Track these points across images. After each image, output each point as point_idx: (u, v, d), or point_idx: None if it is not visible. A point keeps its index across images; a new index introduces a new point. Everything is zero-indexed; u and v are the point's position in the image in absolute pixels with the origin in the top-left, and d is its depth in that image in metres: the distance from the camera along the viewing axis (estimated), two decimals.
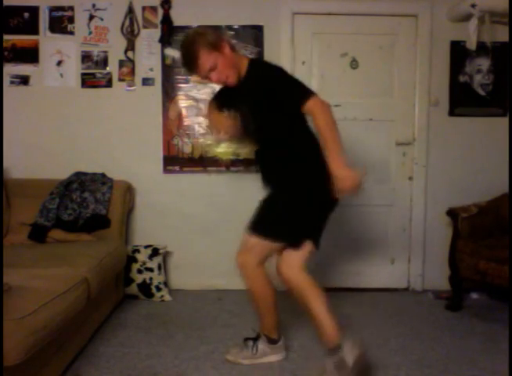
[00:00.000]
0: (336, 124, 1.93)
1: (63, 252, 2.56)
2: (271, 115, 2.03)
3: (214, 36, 2.04)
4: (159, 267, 3.15)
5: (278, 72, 2.03)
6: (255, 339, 2.25)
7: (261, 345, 2.23)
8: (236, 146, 2.24)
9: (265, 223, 2.07)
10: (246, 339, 2.28)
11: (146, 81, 3.27)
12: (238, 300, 3.10)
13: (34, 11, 3.21)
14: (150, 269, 3.12)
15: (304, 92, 1.96)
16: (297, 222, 2.04)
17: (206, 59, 1.99)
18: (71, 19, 3.22)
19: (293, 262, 2.09)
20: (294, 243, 2.09)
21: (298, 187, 2.04)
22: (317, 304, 2.03)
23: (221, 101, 2.26)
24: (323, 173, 1.94)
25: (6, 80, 3.22)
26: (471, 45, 3.11)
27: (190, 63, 2.03)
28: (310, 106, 1.93)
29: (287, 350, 2.31)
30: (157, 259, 3.15)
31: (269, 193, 2.14)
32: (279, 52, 3.23)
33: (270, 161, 2.15)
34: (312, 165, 2.05)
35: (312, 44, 3.31)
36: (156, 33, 3.23)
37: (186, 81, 3.26)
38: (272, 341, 2.23)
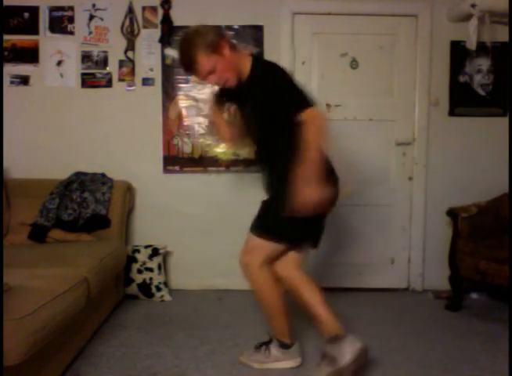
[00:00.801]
0: (321, 142, 1.84)
1: (63, 252, 2.57)
2: (271, 117, 1.99)
3: (212, 37, 1.95)
4: (159, 267, 3.15)
5: (279, 75, 1.96)
6: (268, 343, 2.19)
7: (274, 349, 2.16)
8: (235, 147, 2.25)
9: (265, 224, 2.06)
10: (260, 344, 2.22)
11: (146, 81, 3.27)
12: (238, 300, 3.10)
13: (34, 11, 3.21)
14: (150, 269, 3.12)
15: (301, 102, 1.89)
16: (296, 224, 2.00)
17: (204, 62, 1.93)
18: (71, 19, 3.22)
19: (289, 261, 2.12)
20: (296, 244, 2.09)
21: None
22: (312, 298, 2.04)
23: (223, 97, 2.22)
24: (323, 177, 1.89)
25: (6, 80, 3.22)
26: (471, 45, 3.11)
27: (188, 66, 1.99)
28: (303, 116, 1.85)
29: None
30: (157, 259, 3.15)
31: (270, 194, 2.12)
32: (279, 52, 3.23)
33: (269, 163, 2.12)
34: None
35: (312, 44, 3.31)
36: (156, 33, 3.23)
37: (186, 81, 3.26)
38: (284, 346, 2.16)
